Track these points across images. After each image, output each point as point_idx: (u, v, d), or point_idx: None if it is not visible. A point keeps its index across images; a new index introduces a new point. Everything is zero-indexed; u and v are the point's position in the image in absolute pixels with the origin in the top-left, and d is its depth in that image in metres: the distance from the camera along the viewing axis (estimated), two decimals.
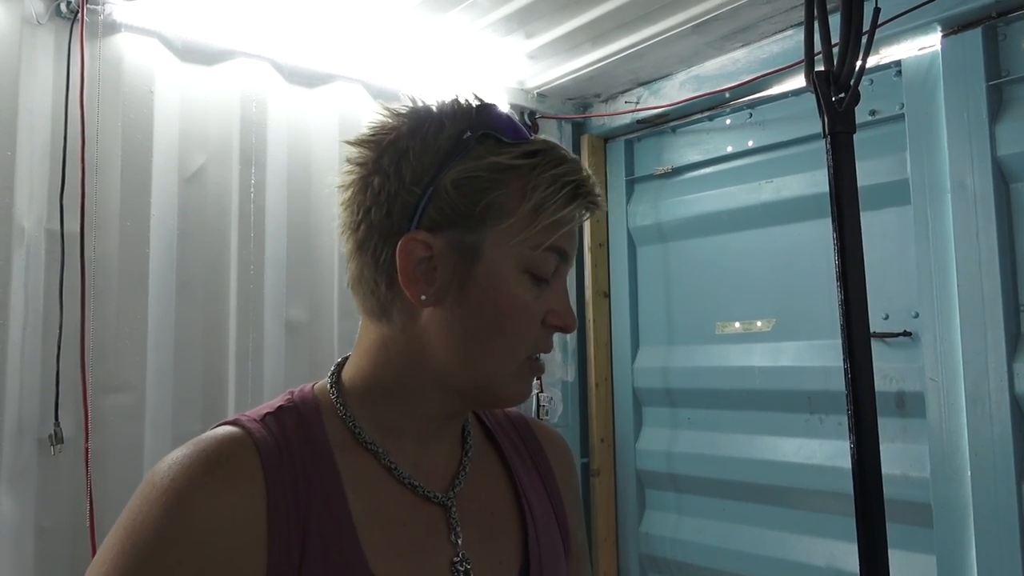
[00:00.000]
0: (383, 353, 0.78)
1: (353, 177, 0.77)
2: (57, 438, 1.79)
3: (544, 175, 0.73)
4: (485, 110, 0.76)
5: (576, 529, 0.94)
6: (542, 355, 0.80)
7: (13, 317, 1.76)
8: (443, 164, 0.73)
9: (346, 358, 0.83)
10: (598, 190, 0.77)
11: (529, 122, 2.70)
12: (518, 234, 0.73)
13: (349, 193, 0.77)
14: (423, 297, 0.74)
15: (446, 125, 0.75)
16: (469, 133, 0.74)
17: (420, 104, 0.78)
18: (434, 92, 0.80)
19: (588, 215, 0.77)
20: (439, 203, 0.73)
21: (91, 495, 1.79)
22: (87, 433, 1.82)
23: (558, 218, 0.73)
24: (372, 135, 0.77)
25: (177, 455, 0.71)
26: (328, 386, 0.80)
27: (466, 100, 0.78)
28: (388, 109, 0.78)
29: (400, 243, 0.73)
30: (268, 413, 0.76)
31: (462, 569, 0.77)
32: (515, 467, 0.89)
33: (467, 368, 0.76)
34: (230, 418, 0.76)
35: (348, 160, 0.78)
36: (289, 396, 0.80)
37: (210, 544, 0.67)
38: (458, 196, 0.72)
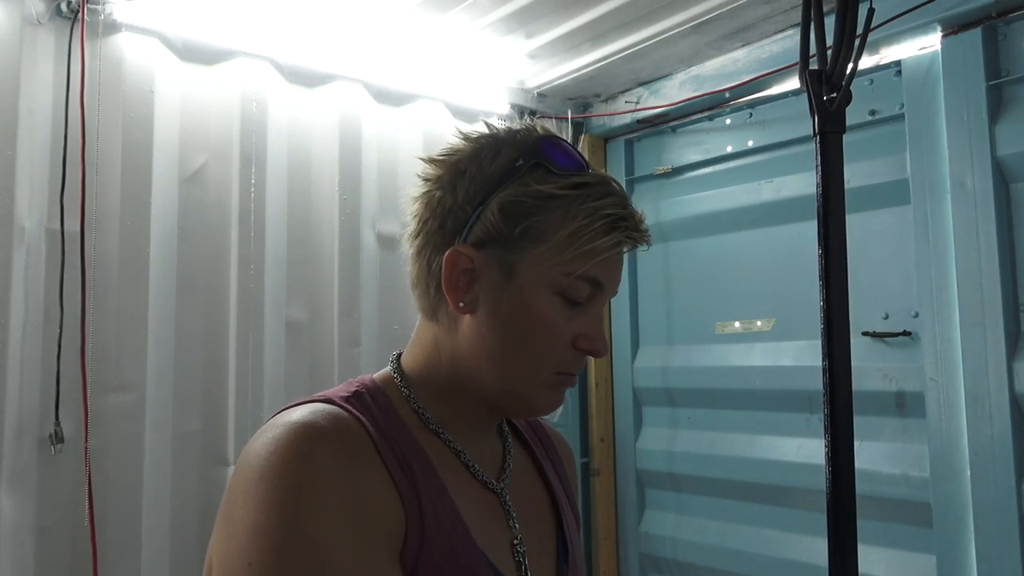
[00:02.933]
0: (435, 352, 0.85)
1: (421, 191, 0.85)
2: (57, 437, 1.79)
3: (584, 206, 0.79)
4: (543, 141, 0.82)
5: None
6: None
7: (13, 316, 1.76)
8: (494, 187, 0.80)
9: (401, 352, 0.89)
10: (643, 226, 0.82)
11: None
12: (553, 259, 0.79)
13: (416, 205, 0.85)
14: (461, 304, 0.81)
15: (502, 152, 0.82)
16: (521, 161, 0.81)
17: (491, 130, 0.86)
18: (508, 121, 0.83)
19: (627, 249, 0.82)
20: (484, 223, 0.80)
21: (91, 495, 1.79)
22: (87, 432, 1.82)
23: (591, 248, 0.78)
24: (442, 155, 0.85)
25: (278, 436, 0.72)
26: (392, 376, 0.86)
27: (531, 129, 0.84)
28: (461, 132, 0.86)
29: (447, 253, 0.80)
30: (348, 397, 0.80)
31: (521, 550, 0.84)
32: (543, 462, 0.96)
33: (496, 375, 0.82)
34: (316, 396, 0.79)
35: (419, 175, 0.86)
36: (356, 384, 0.84)
37: (361, 503, 0.71)
38: (500, 218, 0.79)
